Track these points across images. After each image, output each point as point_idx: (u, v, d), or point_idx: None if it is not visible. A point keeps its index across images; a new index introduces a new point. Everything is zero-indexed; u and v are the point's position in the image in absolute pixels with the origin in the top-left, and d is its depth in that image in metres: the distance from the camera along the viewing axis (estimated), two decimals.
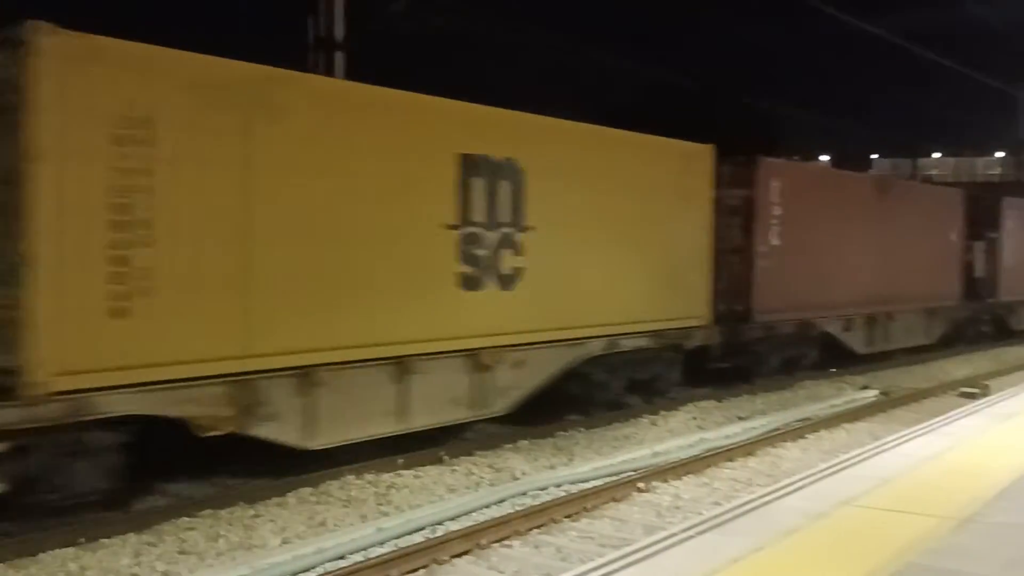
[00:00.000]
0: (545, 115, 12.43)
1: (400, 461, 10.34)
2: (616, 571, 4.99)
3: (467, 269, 10.97)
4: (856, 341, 19.07)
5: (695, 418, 13.76)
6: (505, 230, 11.45)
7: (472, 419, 11.32)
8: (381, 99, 10.21)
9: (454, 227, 10.82)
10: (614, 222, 13.13)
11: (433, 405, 10.68)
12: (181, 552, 7.67)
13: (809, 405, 15.17)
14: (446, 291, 10.76)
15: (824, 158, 51.70)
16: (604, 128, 13.23)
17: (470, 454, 11.00)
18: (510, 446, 11.51)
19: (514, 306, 11.54)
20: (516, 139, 11.63)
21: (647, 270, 13.68)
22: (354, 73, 13.45)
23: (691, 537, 5.54)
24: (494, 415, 11.56)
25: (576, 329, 12.50)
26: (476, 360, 11.15)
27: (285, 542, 7.95)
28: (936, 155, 59.55)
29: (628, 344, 13.36)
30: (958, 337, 23.38)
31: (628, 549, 5.34)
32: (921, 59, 24.68)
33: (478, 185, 11.07)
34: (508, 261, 11.49)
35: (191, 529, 8.14)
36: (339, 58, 13.64)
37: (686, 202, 14.56)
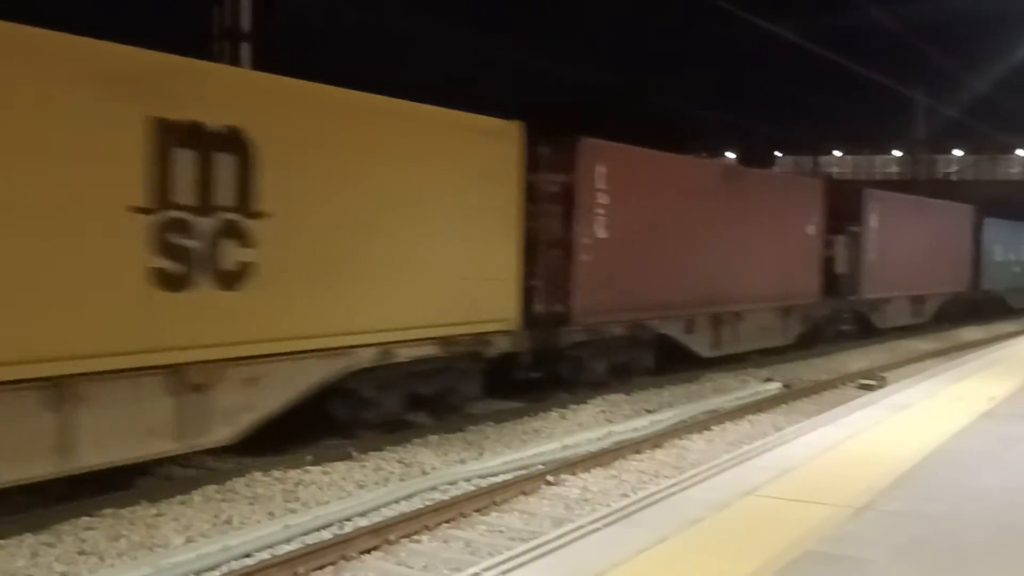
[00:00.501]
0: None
1: (309, 458, 10.22)
2: (523, 564, 5.04)
3: (168, 264, 8.65)
4: (700, 343, 17.32)
5: (604, 411, 13.91)
6: (227, 216, 9.15)
7: (182, 451, 9.18)
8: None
9: (146, 211, 8.47)
10: (386, 208, 10.99)
11: (116, 436, 8.38)
12: (81, 552, 7.46)
13: (715, 397, 15.47)
14: (134, 291, 8.42)
15: (730, 155, 52.75)
16: (370, 95, 10.93)
17: (380, 449, 10.93)
18: (420, 441, 11.48)
19: (242, 310, 9.32)
20: (243, 104, 9.40)
21: (432, 265, 11.65)
22: (262, 65, 13.23)
23: (597, 529, 5.63)
24: (217, 445, 9.41)
25: (334, 337, 10.35)
26: (182, 378, 8.84)
27: (189, 541, 7.80)
28: (837, 153, 61.34)
29: (407, 353, 11.33)
30: (817, 337, 22.05)
31: (535, 542, 5.39)
32: (823, 60, 25.10)
33: (184, 159, 8.76)
34: (232, 254, 9.24)
35: (91, 529, 7.92)
36: (245, 49, 13.39)
37: (487, 187, 12.43)
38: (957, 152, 54.98)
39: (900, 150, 51.90)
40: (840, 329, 23.37)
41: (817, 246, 21.53)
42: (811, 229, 21.18)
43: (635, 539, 5.41)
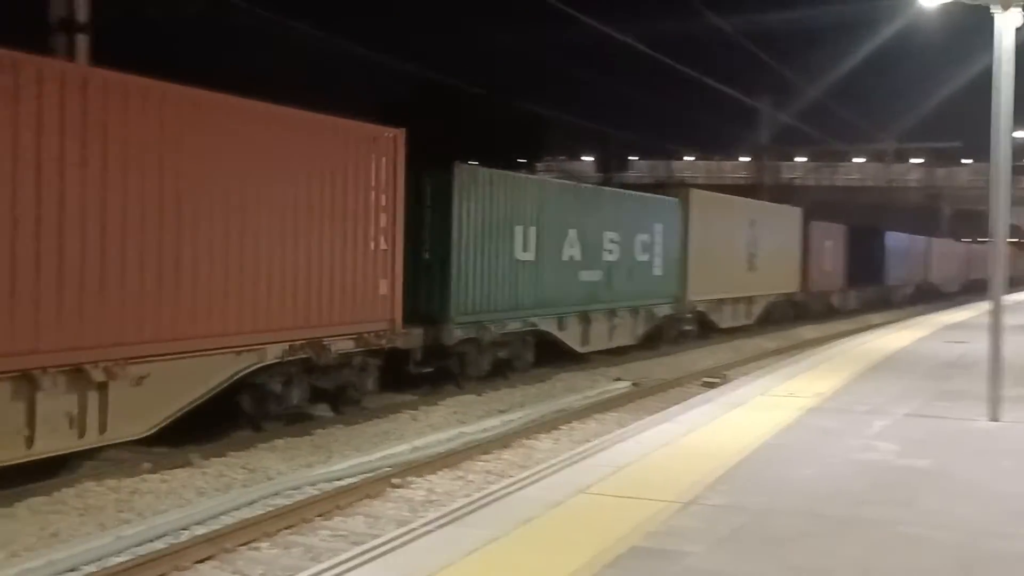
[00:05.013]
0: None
1: (146, 465, 9.91)
2: (353, 568, 5.04)
3: None
4: None
5: (456, 412, 13.96)
6: None
7: None
8: None
9: None
10: None
11: None
12: None
13: (565, 397, 15.73)
14: None
15: (588, 159, 53.78)
16: None
17: (223, 455, 10.68)
18: (265, 446, 11.27)
19: None
20: None
21: None
22: (100, 58, 12.74)
23: (431, 532, 5.67)
24: None
25: None
26: None
27: (13, 556, 7.45)
28: (689, 158, 63.31)
29: None
30: None
31: (366, 546, 5.40)
32: (673, 69, 25.68)
33: None
34: None
35: None
36: (82, 41, 12.85)
37: None
38: (800, 159, 57.57)
39: (747, 156, 53.97)
40: None
41: None
42: None
43: (468, 539, 5.48)
